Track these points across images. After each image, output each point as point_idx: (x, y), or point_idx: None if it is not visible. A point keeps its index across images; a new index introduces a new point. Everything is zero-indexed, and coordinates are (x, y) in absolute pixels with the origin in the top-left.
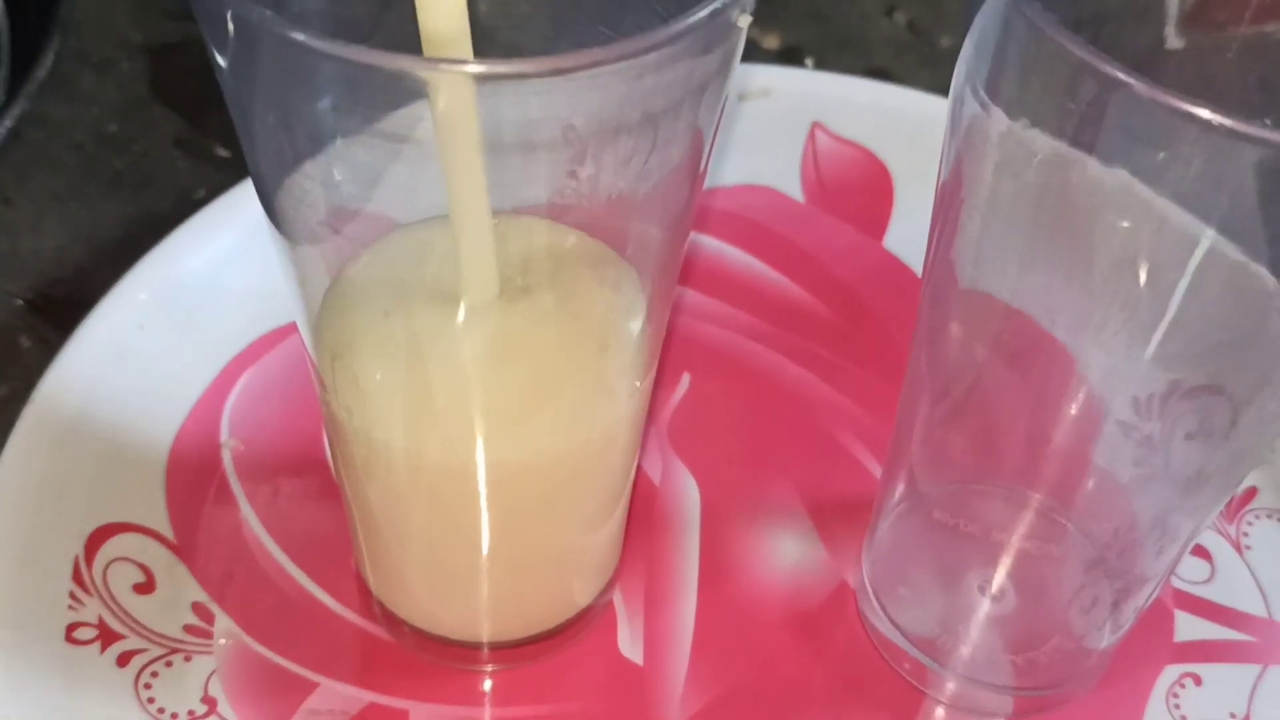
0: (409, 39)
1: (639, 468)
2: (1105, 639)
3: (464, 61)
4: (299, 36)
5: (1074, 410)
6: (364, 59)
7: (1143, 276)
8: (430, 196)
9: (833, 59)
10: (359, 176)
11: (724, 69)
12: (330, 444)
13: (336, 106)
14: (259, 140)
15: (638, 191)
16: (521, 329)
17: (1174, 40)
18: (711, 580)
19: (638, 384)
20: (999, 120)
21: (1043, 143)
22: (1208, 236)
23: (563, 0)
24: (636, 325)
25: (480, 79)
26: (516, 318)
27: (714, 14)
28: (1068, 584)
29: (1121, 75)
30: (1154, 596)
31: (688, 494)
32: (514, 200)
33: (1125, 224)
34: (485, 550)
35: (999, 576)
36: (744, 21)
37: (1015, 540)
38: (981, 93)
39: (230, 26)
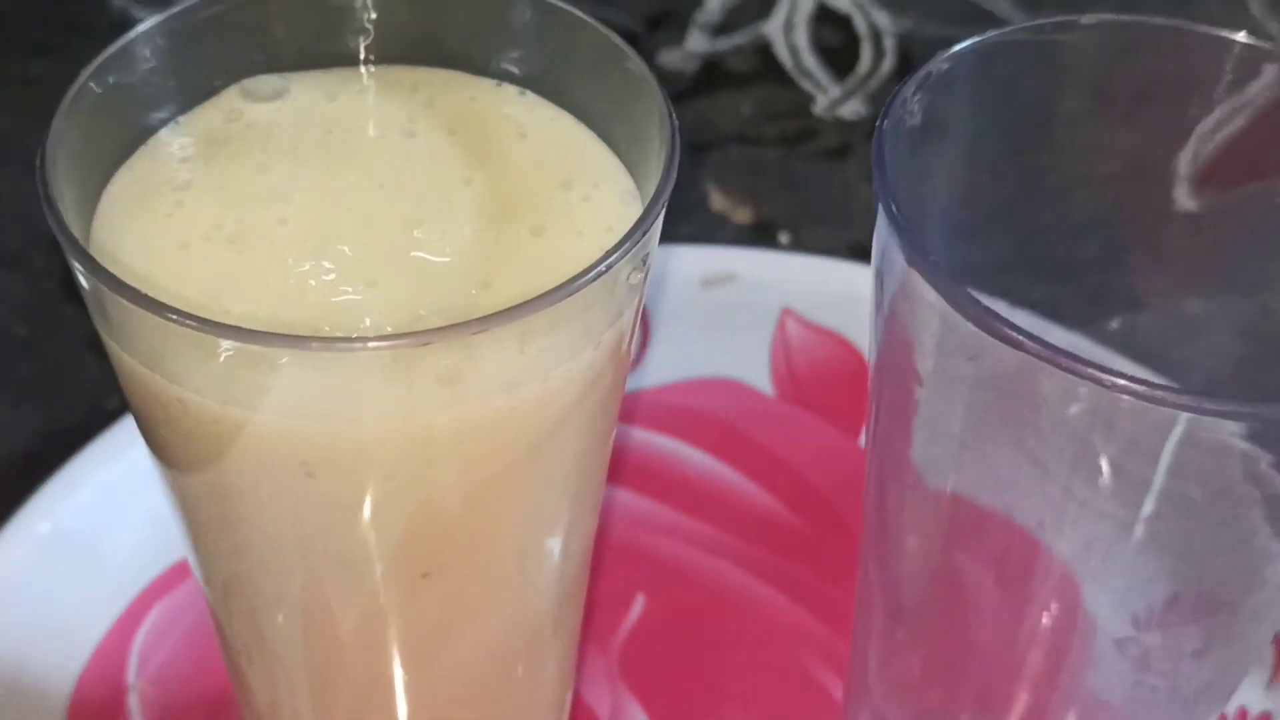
0: None
1: (580, 698)
2: None
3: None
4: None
5: (1051, 622)
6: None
7: (1109, 463)
8: None
9: (810, 234)
10: None
11: (619, 321)
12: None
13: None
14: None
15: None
16: None
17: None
18: None
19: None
20: (927, 289)
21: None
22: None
23: None
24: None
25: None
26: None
27: (597, 274)
28: None
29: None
30: None
31: None
32: None
33: (1081, 408)
34: None
35: None
36: (636, 279)
37: None
38: (904, 255)
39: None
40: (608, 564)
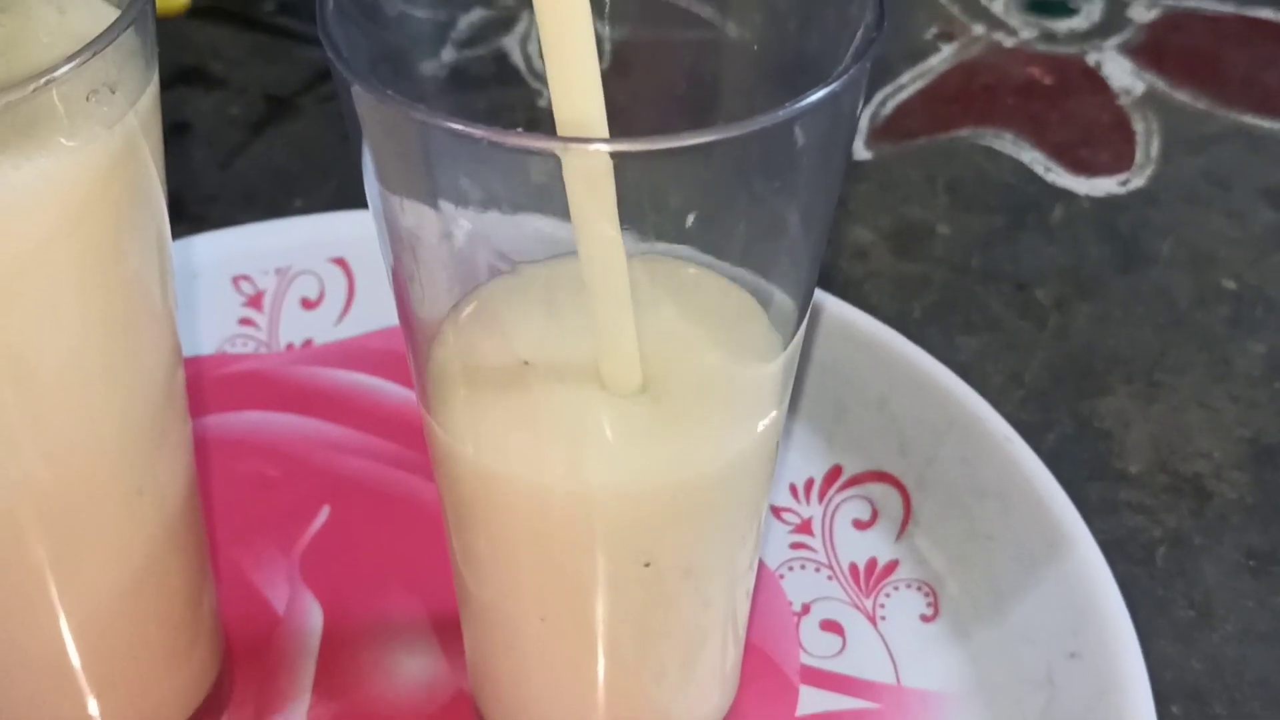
0: None
1: (259, 597)
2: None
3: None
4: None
5: None
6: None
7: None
8: None
9: None
10: None
11: (100, 143)
12: None
13: None
14: None
15: None
16: None
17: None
18: (324, 702)
19: None
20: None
21: None
22: None
23: None
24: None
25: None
26: None
27: (49, 81)
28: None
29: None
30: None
31: (310, 621)
32: None
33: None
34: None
35: None
36: (102, 105)
37: None
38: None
39: None
40: (296, 482)
